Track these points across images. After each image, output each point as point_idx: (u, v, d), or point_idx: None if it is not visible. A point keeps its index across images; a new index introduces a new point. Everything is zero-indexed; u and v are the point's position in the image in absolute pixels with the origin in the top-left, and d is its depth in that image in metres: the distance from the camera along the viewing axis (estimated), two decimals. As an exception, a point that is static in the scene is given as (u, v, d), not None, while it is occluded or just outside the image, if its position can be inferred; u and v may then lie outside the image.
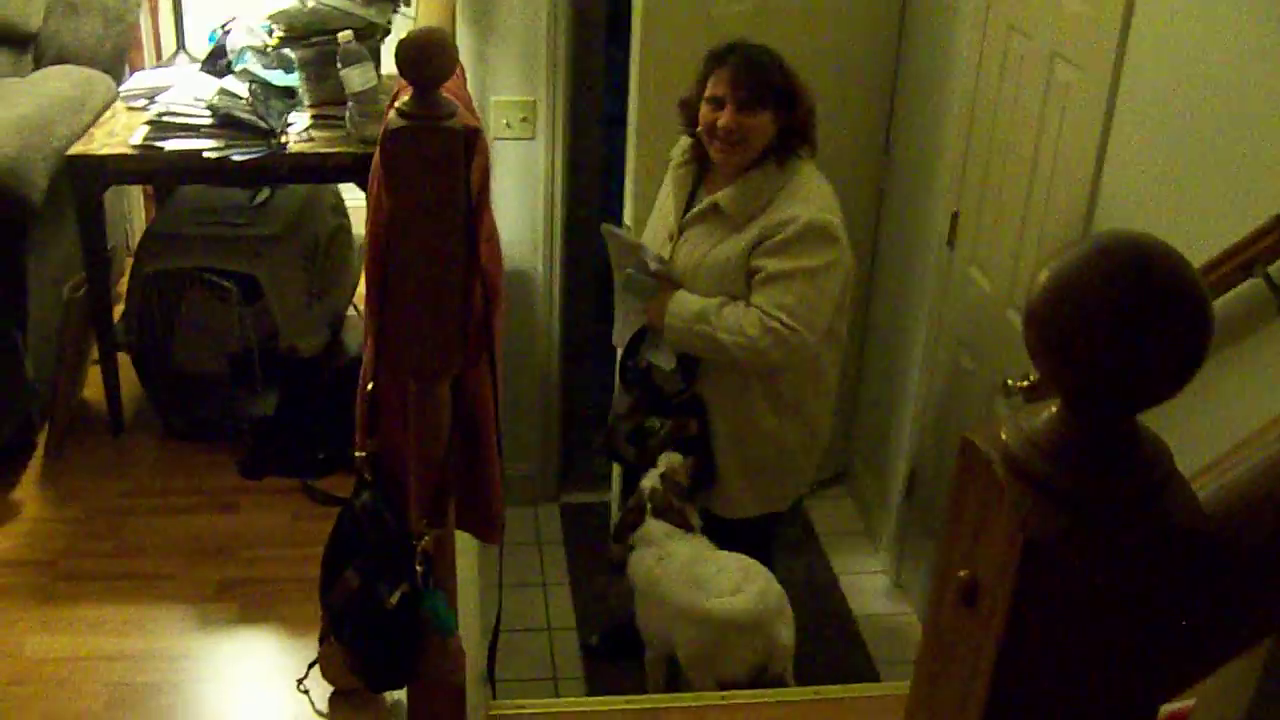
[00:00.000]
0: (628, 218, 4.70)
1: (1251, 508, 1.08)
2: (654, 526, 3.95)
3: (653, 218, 4.20)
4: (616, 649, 4.73)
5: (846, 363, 5.62)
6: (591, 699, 3.79)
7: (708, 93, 3.80)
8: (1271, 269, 2.85)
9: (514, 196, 5.15)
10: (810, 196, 3.85)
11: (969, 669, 1.06)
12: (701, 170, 4.01)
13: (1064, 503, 0.99)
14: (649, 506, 3.96)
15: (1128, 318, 0.96)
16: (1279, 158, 2.91)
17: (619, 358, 4.18)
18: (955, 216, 4.71)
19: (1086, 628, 1.02)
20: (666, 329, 3.89)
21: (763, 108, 3.77)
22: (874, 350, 5.66)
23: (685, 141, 4.04)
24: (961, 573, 1.06)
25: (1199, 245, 3.12)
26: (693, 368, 3.99)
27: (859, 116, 5.26)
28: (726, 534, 4.13)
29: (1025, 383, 4.03)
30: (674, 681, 3.92)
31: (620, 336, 4.11)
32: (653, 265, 3.93)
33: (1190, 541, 1.00)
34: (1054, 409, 1.03)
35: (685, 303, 3.85)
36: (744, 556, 3.88)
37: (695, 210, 3.94)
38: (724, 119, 3.75)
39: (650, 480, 3.99)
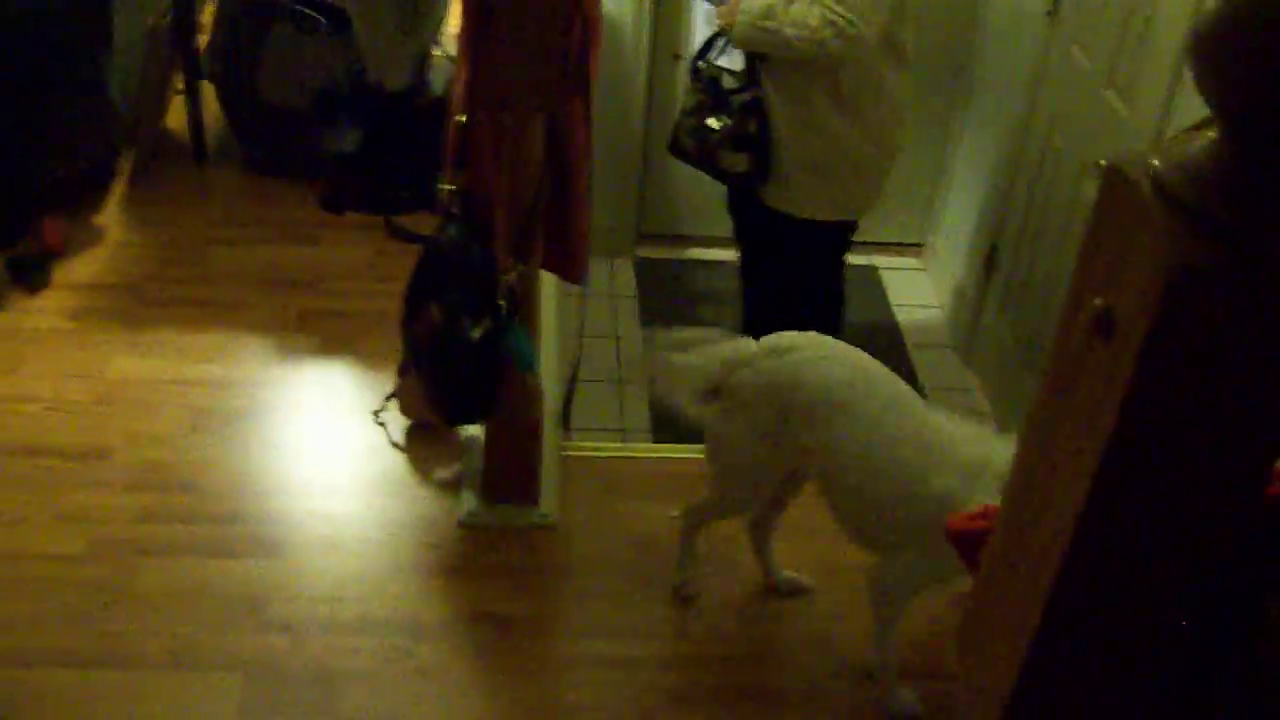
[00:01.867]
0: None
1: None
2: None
3: None
4: None
5: (935, 131, 5.57)
6: (664, 445, 3.81)
7: None
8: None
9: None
10: None
11: (1096, 398, 1.05)
12: None
13: (1215, 232, 0.96)
14: None
15: (1303, 40, 0.91)
16: None
17: (693, 56, 4.24)
18: (1059, -14, 4.58)
19: (1223, 362, 1.00)
20: (737, 26, 3.95)
21: None
22: (966, 122, 5.56)
23: None
24: (1097, 301, 1.04)
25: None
26: (756, 70, 4.06)
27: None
28: (800, 234, 4.28)
29: (1119, 163, 3.95)
30: None
31: (700, 38, 4.20)
32: None
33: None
34: (1211, 135, 0.99)
35: (754, 1, 3.90)
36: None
37: None
38: None
39: None
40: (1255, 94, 0.94)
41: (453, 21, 4.75)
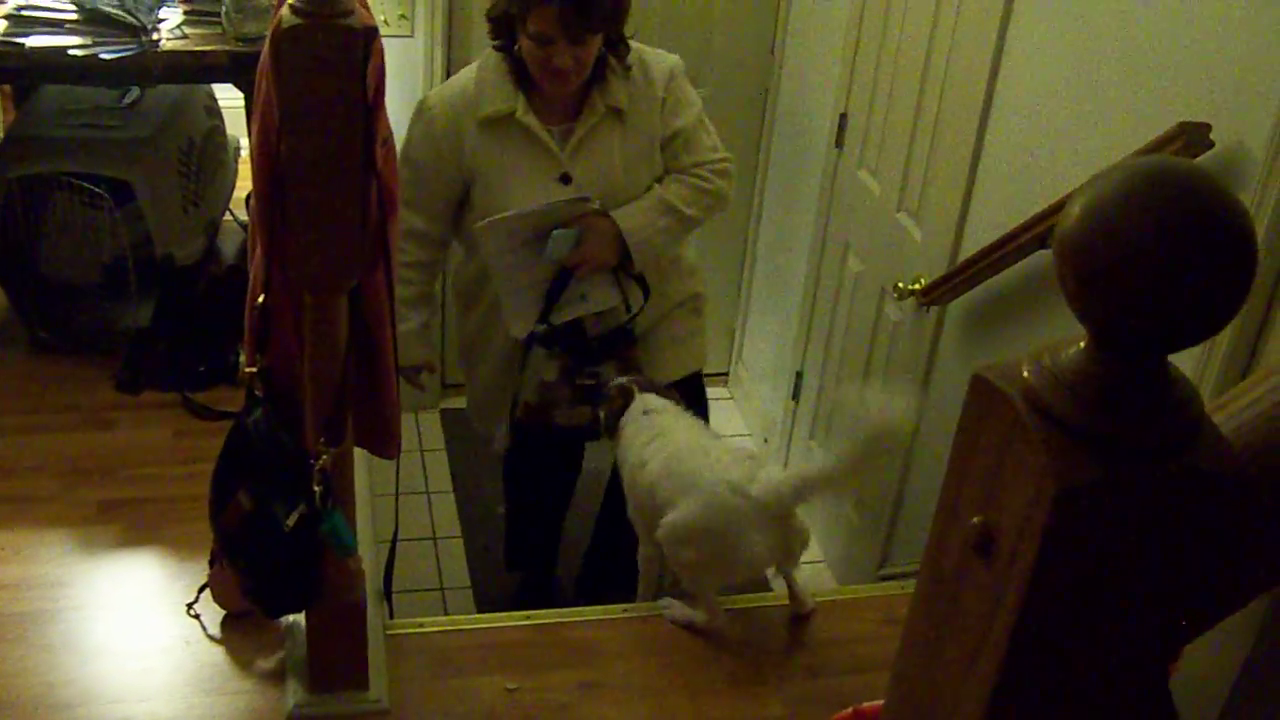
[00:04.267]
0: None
1: (1276, 447, 1.03)
2: (648, 399, 3.56)
3: (489, 189, 3.63)
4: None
5: (733, 261, 5.63)
6: (494, 615, 3.69)
7: (531, 29, 3.38)
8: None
9: (391, 97, 4.98)
10: (649, 48, 3.69)
11: (982, 619, 1.00)
12: (528, 99, 3.58)
13: (1097, 448, 0.93)
14: (634, 389, 3.60)
15: (1169, 252, 0.89)
16: (1182, 60, 2.88)
17: (533, 331, 3.72)
18: (843, 118, 4.66)
19: (1115, 575, 0.97)
20: (635, 248, 3.60)
21: (594, 33, 3.42)
22: (761, 252, 5.61)
23: (487, 88, 3.58)
24: (974, 519, 1.00)
25: (1101, 149, 3.11)
26: (640, 281, 3.74)
27: (746, 16, 5.18)
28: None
29: (918, 285, 4.01)
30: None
31: (524, 319, 3.71)
32: (590, 205, 3.57)
33: (1225, 485, 0.95)
34: (1081, 346, 0.96)
35: (632, 214, 3.62)
36: (744, 447, 3.58)
37: (576, 137, 3.59)
38: (559, 59, 3.40)
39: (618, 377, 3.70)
40: (1125, 303, 0.91)
41: (241, 185, 4.66)
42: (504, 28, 3.53)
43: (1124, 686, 1.04)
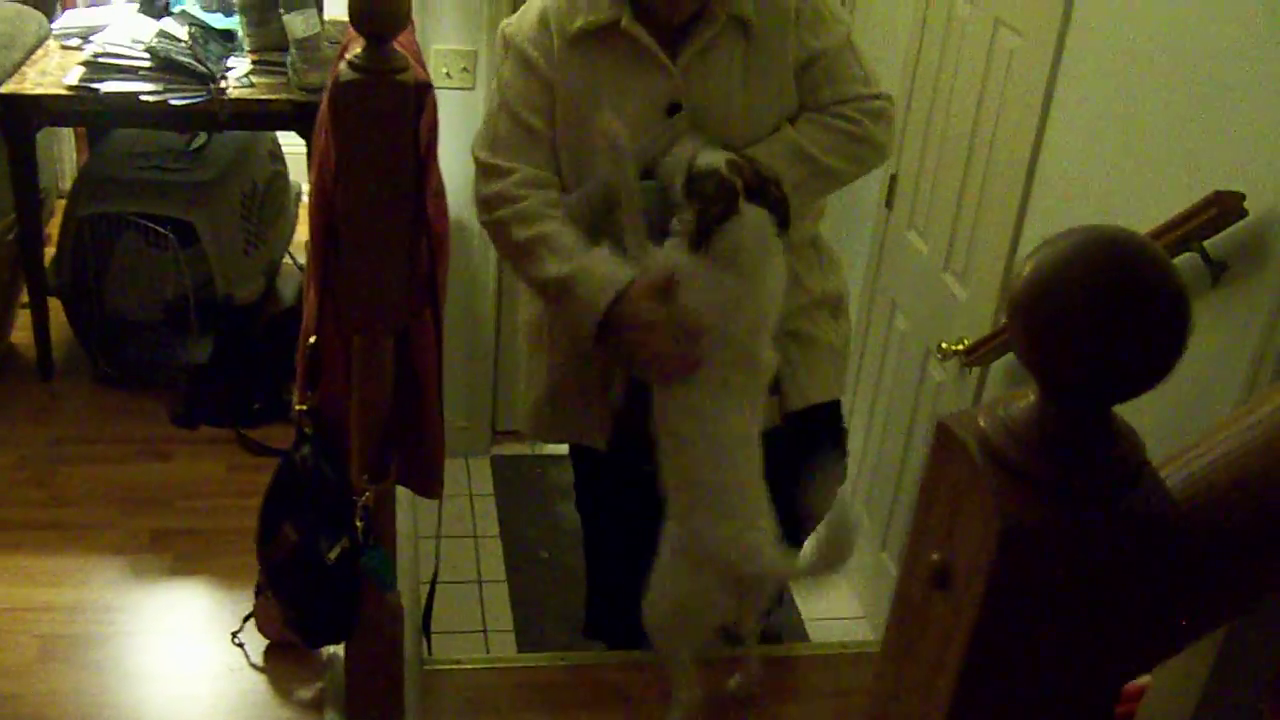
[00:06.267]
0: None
1: (1218, 497, 1.10)
2: (752, 218, 2.71)
3: (575, 119, 2.91)
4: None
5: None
6: (530, 655, 3.79)
7: None
8: (1207, 244, 2.87)
9: (452, 148, 5.07)
10: None
11: (939, 649, 1.08)
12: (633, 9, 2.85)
13: (1040, 492, 1.01)
14: (739, 184, 2.71)
15: (1106, 313, 0.97)
16: (1219, 132, 2.93)
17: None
18: (893, 179, 4.73)
19: (1058, 611, 1.04)
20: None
21: None
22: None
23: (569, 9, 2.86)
24: (934, 555, 1.08)
25: (1138, 216, 3.16)
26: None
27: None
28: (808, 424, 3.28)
29: (961, 345, 4.07)
30: None
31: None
32: (678, 129, 2.84)
33: (1161, 530, 1.02)
34: (1031, 398, 1.04)
35: (759, 156, 2.84)
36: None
37: (690, 51, 2.83)
38: None
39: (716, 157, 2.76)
40: (1067, 359, 0.99)
41: (301, 229, 4.79)
42: None
43: (1072, 713, 1.11)
